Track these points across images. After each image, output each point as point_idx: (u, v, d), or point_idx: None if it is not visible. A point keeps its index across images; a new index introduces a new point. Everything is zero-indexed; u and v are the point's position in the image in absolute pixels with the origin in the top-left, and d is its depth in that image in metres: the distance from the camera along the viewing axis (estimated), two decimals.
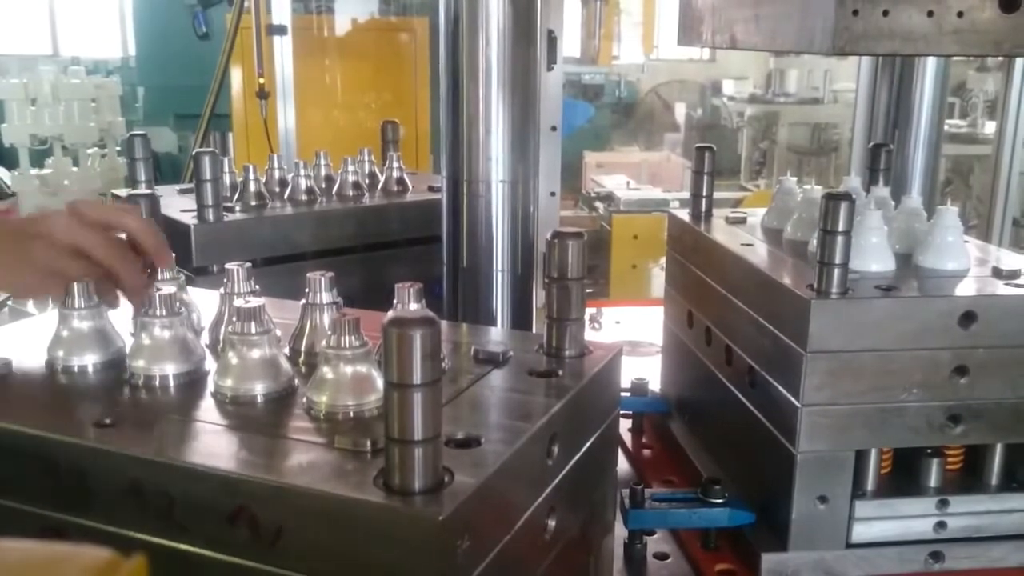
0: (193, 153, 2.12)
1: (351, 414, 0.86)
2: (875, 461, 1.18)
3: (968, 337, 1.10)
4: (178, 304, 0.99)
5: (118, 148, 6.52)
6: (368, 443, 0.79)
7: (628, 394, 1.57)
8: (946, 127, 2.83)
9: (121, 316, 1.10)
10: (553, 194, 1.62)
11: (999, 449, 1.19)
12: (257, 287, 1.10)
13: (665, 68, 9.71)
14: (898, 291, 1.11)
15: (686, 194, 1.64)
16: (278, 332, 0.96)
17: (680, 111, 9.51)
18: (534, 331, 1.51)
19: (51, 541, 0.35)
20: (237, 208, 1.72)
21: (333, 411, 0.87)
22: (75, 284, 1.00)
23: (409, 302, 0.98)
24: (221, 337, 1.04)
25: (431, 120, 5.12)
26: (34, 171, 6.36)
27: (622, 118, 9.49)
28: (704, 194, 1.53)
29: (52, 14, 9.70)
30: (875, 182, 1.52)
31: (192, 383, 0.96)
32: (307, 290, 1.02)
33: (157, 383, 0.95)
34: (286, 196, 1.81)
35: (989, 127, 5.98)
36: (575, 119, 7.30)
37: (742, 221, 1.49)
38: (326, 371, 0.88)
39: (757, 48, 1.22)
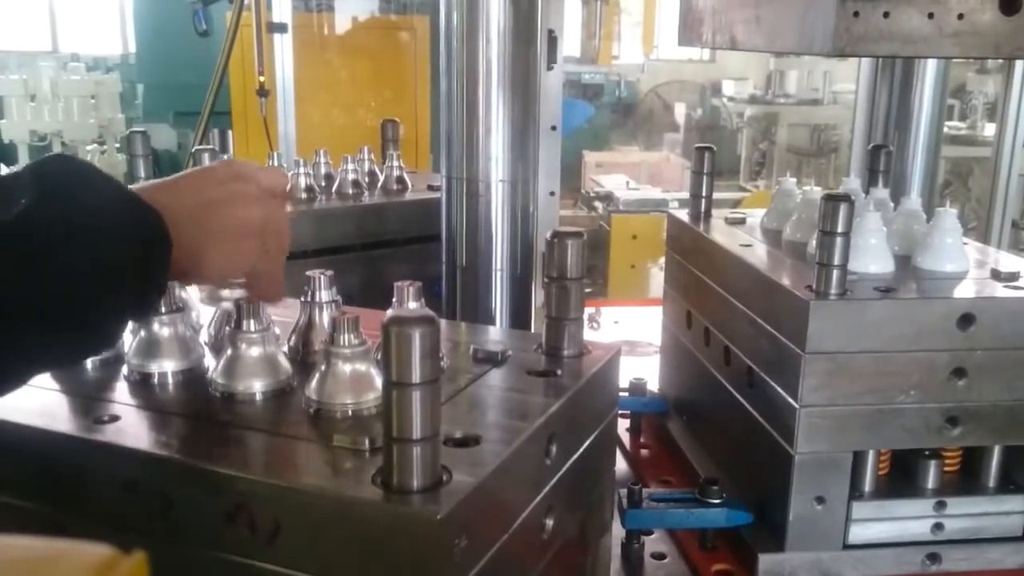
0: (192, 151, 2.12)
1: (350, 412, 0.86)
2: (873, 462, 1.18)
3: (966, 339, 1.10)
4: (177, 301, 0.99)
5: (117, 145, 6.51)
6: (367, 441, 0.79)
7: (626, 394, 1.58)
8: (946, 129, 2.84)
9: None
10: (552, 194, 1.62)
11: (996, 451, 1.19)
12: None
13: (665, 68, 9.72)
14: (897, 293, 1.12)
15: (685, 194, 1.64)
16: (277, 330, 0.96)
17: (680, 111, 9.51)
18: (533, 330, 1.51)
19: (51, 537, 0.35)
20: None
21: (332, 409, 0.87)
22: None
23: (408, 301, 0.98)
24: (220, 335, 1.04)
25: (431, 119, 5.12)
26: None
27: (622, 118, 9.50)
28: (703, 194, 1.53)
29: (52, 10, 9.70)
30: (874, 183, 1.52)
31: (191, 381, 0.96)
32: (306, 288, 1.02)
33: (156, 380, 0.95)
34: None
35: (989, 129, 5.99)
36: (575, 119, 7.30)
37: (741, 222, 1.49)
38: (325, 369, 0.88)
39: (757, 49, 1.22)
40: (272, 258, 0.96)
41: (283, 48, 4.51)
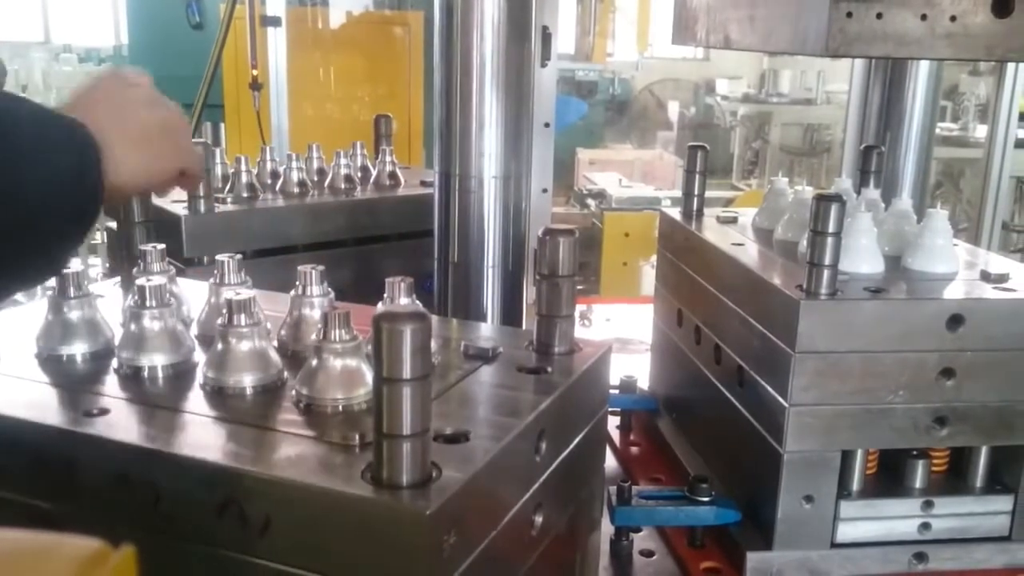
0: None
1: (340, 407, 0.86)
2: (861, 462, 1.18)
3: (955, 340, 1.10)
4: (168, 295, 0.98)
5: None
6: (356, 437, 0.79)
7: (617, 391, 1.58)
8: (937, 130, 2.84)
9: (112, 307, 1.09)
10: (545, 191, 1.61)
11: (984, 451, 1.20)
12: (248, 279, 1.10)
13: (659, 66, 9.72)
14: (887, 293, 1.12)
15: (678, 192, 1.65)
16: (268, 324, 0.96)
17: (673, 109, 9.52)
18: (524, 327, 1.51)
19: (40, 530, 0.35)
20: (228, 199, 1.71)
21: (322, 404, 0.87)
22: (67, 273, 1.00)
23: (400, 296, 0.98)
24: (208, 329, 1.04)
25: (424, 114, 5.11)
26: None
27: (615, 115, 9.51)
28: (696, 193, 1.53)
29: (44, 1, 9.64)
30: (866, 184, 1.52)
31: (181, 374, 0.96)
32: (298, 283, 1.02)
33: (146, 374, 0.95)
34: (278, 188, 1.81)
35: (980, 131, 6.01)
36: (568, 116, 7.30)
37: (733, 221, 1.49)
38: (315, 364, 0.88)
39: (751, 48, 1.22)
40: (188, 150, 1.04)
41: (277, 42, 4.50)
